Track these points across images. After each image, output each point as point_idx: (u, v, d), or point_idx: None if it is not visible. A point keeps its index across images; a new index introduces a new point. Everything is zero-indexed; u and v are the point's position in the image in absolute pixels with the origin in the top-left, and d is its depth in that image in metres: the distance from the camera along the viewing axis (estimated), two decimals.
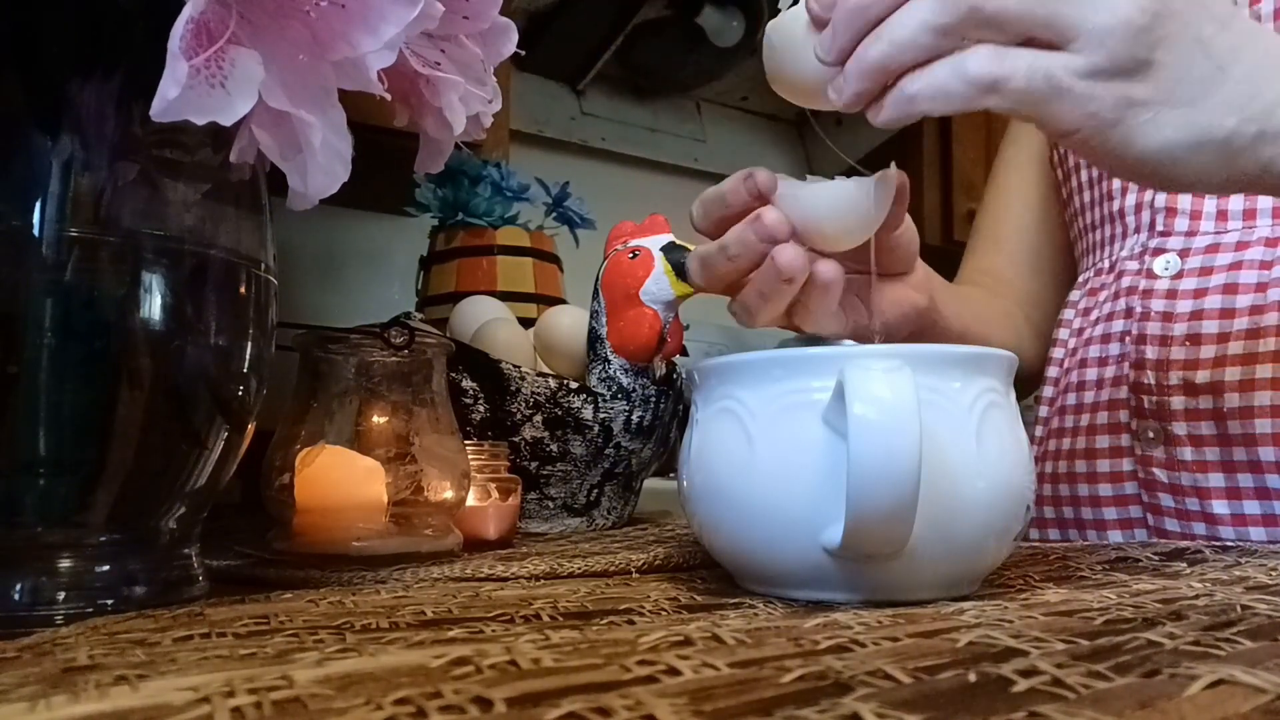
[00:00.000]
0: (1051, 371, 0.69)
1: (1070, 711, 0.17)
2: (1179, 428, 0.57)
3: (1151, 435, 0.58)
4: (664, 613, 0.29)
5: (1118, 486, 0.61)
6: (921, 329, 0.52)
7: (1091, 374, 0.63)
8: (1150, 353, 0.59)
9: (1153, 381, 0.58)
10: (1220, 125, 0.35)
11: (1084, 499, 0.63)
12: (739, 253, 0.40)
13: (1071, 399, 0.65)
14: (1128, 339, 0.60)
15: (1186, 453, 0.57)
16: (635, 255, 0.59)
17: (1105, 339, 0.63)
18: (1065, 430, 0.65)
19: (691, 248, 0.58)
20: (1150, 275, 0.60)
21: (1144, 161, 0.35)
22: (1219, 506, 0.56)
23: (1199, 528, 0.57)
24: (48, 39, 0.32)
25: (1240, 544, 0.47)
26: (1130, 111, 0.34)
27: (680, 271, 0.58)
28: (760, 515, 0.32)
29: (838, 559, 0.30)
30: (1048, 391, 0.70)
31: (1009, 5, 0.33)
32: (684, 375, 0.65)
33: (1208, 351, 0.56)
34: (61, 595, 0.31)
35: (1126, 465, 0.60)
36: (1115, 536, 0.61)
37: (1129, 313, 0.61)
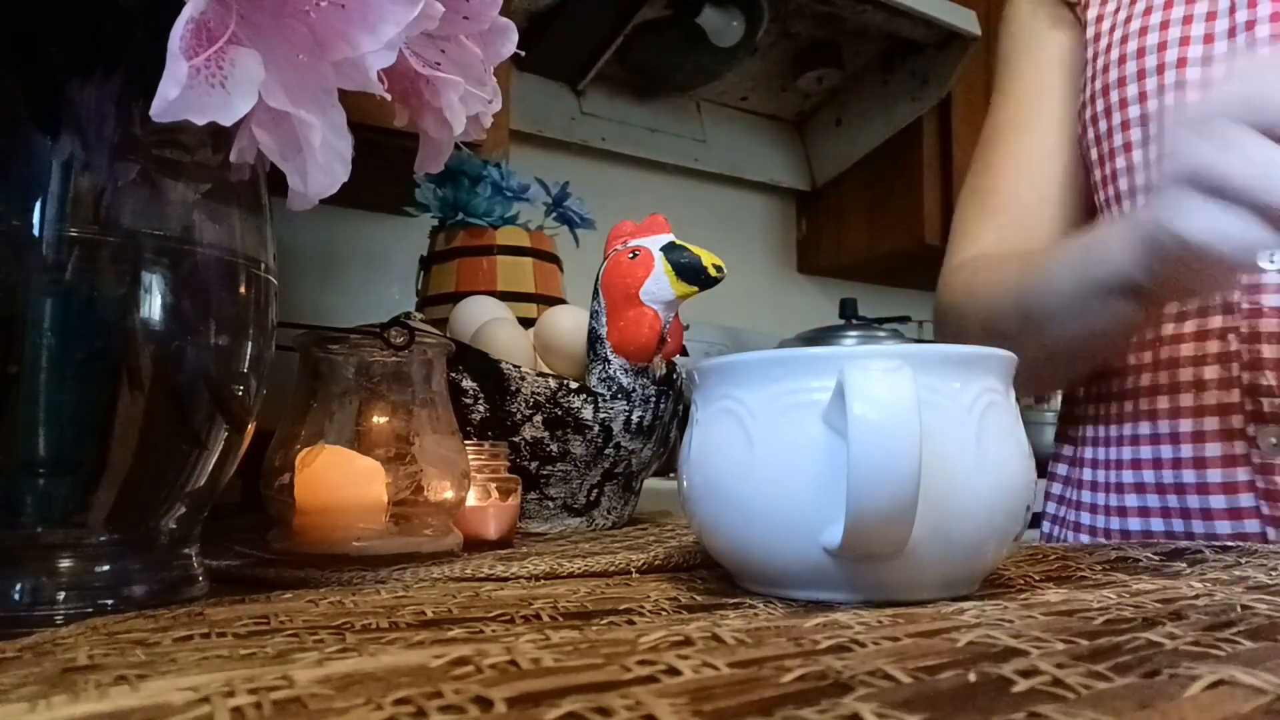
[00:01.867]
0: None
1: (1070, 711, 0.17)
2: None
3: (1275, 442, 0.54)
4: (664, 613, 0.29)
5: (1232, 499, 0.56)
6: None
7: (1187, 374, 0.58)
8: (1268, 351, 0.54)
9: (1274, 383, 0.54)
10: None
11: (1194, 512, 0.58)
12: None
13: (1163, 403, 0.59)
14: (1232, 336, 0.55)
15: None
16: (635, 255, 0.59)
17: (1200, 336, 0.58)
18: (1162, 437, 0.60)
19: (692, 248, 0.58)
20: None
21: None
22: None
23: None
24: (48, 39, 0.32)
25: (1240, 544, 0.46)
26: None
27: (680, 271, 0.58)
28: (760, 515, 0.32)
29: (838, 559, 0.30)
30: (1093, 389, 0.65)
31: None
32: (684, 375, 0.65)
33: None
34: (61, 595, 0.31)
35: (1242, 475, 0.55)
36: None
37: (1230, 309, 0.56)
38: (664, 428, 0.64)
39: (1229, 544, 0.45)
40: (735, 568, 0.36)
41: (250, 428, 0.37)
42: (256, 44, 0.29)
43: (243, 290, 0.36)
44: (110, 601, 0.32)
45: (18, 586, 0.31)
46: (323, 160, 0.32)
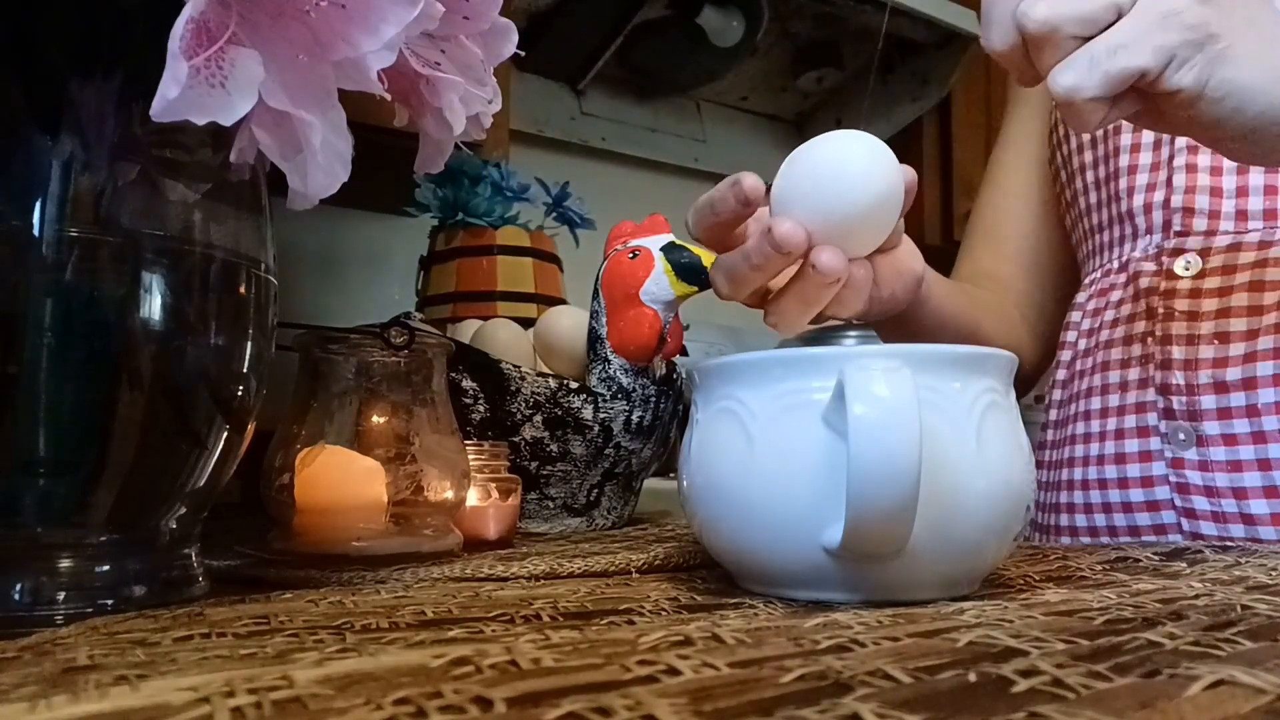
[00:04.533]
0: (1059, 374, 0.68)
1: (1070, 711, 0.17)
2: (1211, 427, 0.56)
3: (1183, 437, 0.57)
4: (664, 613, 0.29)
5: (1149, 491, 0.59)
6: (914, 306, 0.53)
7: (1114, 376, 0.62)
8: (1177, 353, 0.58)
9: (1181, 382, 0.57)
10: None
11: (1116, 505, 0.61)
12: (761, 262, 0.40)
13: (1095, 403, 0.64)
14: (1150, 340, 0.59)
15: (1220, 453, 0.56)
16: (635, 255, 0.59)
17: (1127, 341, 0.62)
18: (1093, 435, 0.63)
19: (692, 248, 0.58)
20: (1171, 276, 0.59)
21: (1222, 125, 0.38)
22: (1257, 506, 0.55)
23: (1236, 530, 0.55)
24: (48, 39, 0.32)
25: (1240, 544, 0.47)
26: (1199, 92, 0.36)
27: (680, 271, 0.58)
28: (760, 515, 0.32)
29: (838, 559, 0.30)
30: (1056, 395, 0.69)
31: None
32: (684, 375, 0.65)
33: (1237, 349, 0.55)
34: (61, 595, 0.31)
35: (1158, 470, 0.59)
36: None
37: (1151, 314, 0.60)
38: (664, 428, 0.64)
39: (1229, 544, 0.45)
40: (735, 568, 0.36)
41: (250, 428, 0.37)
42: (256, 44, 0.29)
43: (243, 290, 0.36)
44: (110, 601, 0.32)
45: (18, 586, 0.31)
46: (323, 160, 0.32)
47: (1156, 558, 0.42)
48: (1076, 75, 0.36)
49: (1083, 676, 0.19)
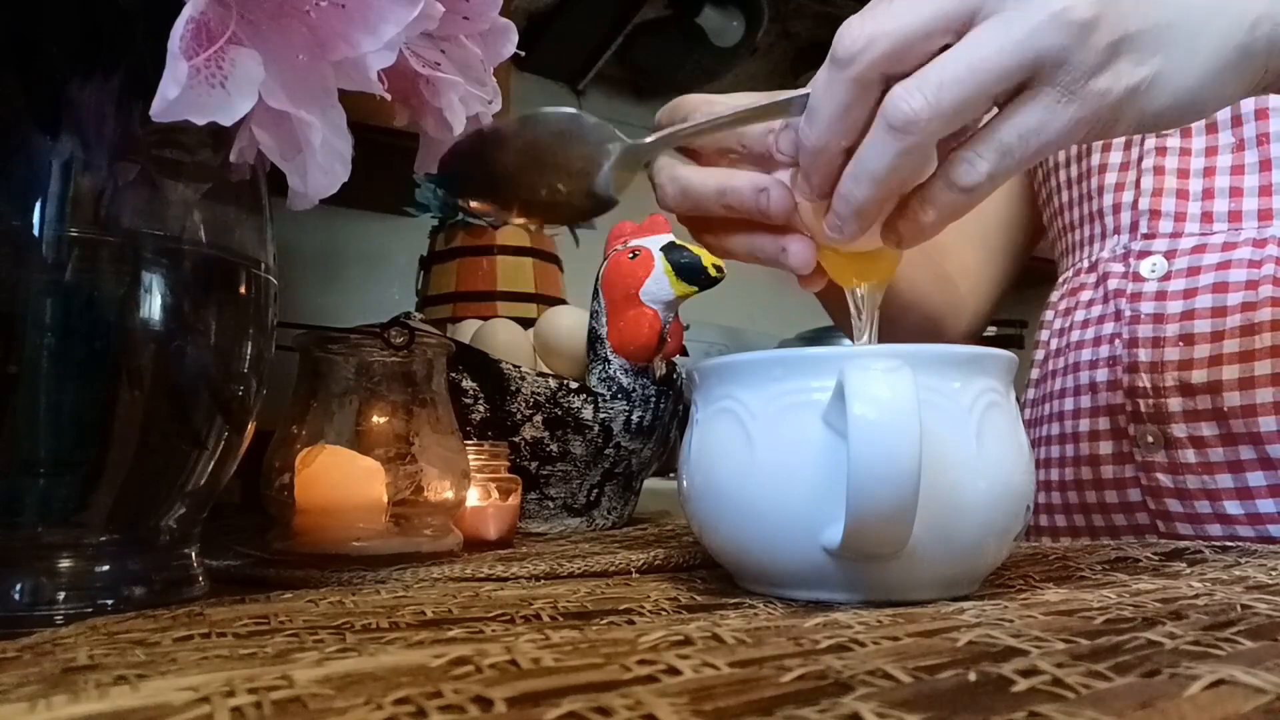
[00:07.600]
0: (1033, 373, 0.68)
1: (1070, 711, 0.17)
2: (1179, 430, 0.56)
3: (1151, 440, 0.57)
4: (664, 613, 0.29)
5: (1123, 494, 0.59)
6: None
7: (1085, 378, 0.62)
8: (1143, 355, 0.58)
9: (1148, 384, 0.57)
10: (1228, 46, 0.32)
11: (1093, 505, 0.61)
12: (733, 206, 0.38)
13: (1069, 404, 0.64)
14: (1118, 341, 0.60)
15: (1189, 455, 0.56)
16: (635, 255, 0.59)
17: (1096, 342, 0.62)
18: (1067, 436, 0.64)
19: (691, 248, 0.58)
20: (1137, 278, 0.59)
21: (1163, 117, 0.33)
22: (1232, 507, 0.55)
23: (1214, 529, 0.55)
24: (48, 39, 0.32)
25: (1240, 544, 0.46)
26: (1130, 94, 0.32)
27: (680, 271, 0.58)
28: (760, 515, 0.32)
29: (838, 559, 0.30)
30: (1030, 394, 0.69)
31: (963, 93, 0.30)
32: (684, 375, 0.65)
33: (1202, 351, 0.55)
34: (61, 595, 0.31)
35: (1129, 472, 0.59)
36: None
37: (1118, 315, 0.60)
38: (664, 428, 0.64)
39: (1229, 544, 0.45)
40: (735, 568, 0.36)
41: (250, 428, 0.37)
42: (256, 44, 0.29)
43: (243, 290, 0.36)
44: (110, 601, 0.32)
45: (18, 586, 0.31)
46: (323, 160, 0.32)
47: (1156, 558, 0.42)
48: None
49: (1083, 676, 0.19)
